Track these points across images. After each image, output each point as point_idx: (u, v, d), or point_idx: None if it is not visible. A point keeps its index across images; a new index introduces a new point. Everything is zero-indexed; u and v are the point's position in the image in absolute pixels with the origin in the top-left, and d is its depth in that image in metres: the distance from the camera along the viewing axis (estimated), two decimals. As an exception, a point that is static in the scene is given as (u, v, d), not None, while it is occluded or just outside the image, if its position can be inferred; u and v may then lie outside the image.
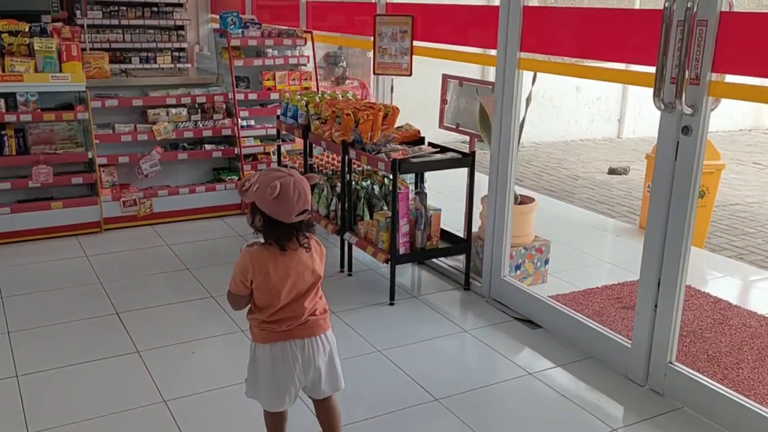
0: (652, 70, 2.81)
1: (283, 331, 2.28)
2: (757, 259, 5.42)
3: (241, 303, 2.32)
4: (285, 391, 2.32)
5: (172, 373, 3.19)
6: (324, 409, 2.49)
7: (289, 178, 2.18)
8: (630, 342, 3.18)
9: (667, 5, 2.66)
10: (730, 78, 2.69)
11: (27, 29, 4.99)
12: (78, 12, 7.81)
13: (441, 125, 4.37)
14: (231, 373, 3.19)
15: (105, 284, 4.18)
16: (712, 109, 2.76)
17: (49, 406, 2.92)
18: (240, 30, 5.62)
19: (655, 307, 3.01)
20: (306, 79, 5.81)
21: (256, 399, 2.41)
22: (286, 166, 5.14)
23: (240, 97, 5.55)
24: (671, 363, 3.01)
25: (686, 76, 2.68)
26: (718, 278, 4.81)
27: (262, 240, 2.26)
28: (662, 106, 2.79)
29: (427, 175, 4.42)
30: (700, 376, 2.95)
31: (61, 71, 4.82)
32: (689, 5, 2.60)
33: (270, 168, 2.30)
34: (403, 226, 3.95)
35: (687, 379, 2.95)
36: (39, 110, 4.85)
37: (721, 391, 2.84)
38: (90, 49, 7.14)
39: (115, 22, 8.01)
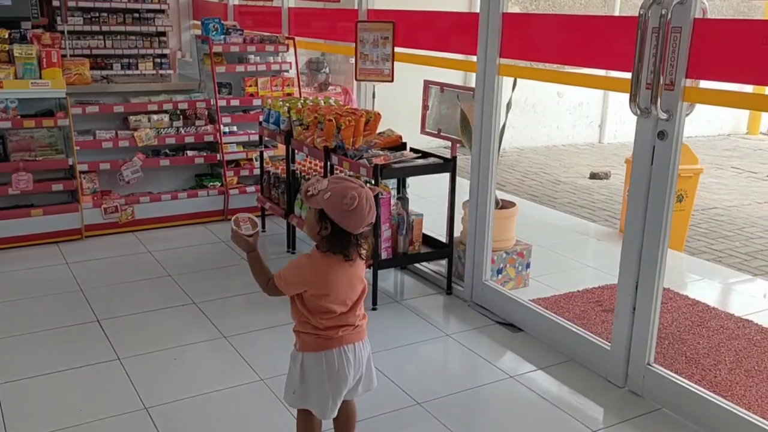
0: (629, 75, 2.85)
1: (338, 337, 2.29)
2: (735, 262, 5.50)
3: (280, 295, 2.32)
4: (338, 396, 2.34)
5: (154, 380, 3.18)
6: (347, 410, 2.50)
7: (362, 191, 2.19)
8: (609, 344, 3.21)
9: (641, 12, 2.70)
10: (705, 84, 2.74)
11: (7, 36, 4.96)
12: (58, 18, 7.76)
13: (423, 131, 4.40)
14: (213, 380, 3.19)
15: (86, 291, 4.16)
16: (687, 114, 2.80)
17: (28, 414, 2.90)
18: (222, 36, 5.62)
19: (634, 309, 3.05)
20: (288, 85, 5.81)
21: (306, 407, 2.39)
22: (273, 173, 5.15)
23: (222, 103, 5.55)
24: (650, 365, 3.05)
25: (661, 81, 2.73)
26: (697, 281, 4.87)
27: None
28: (638, 112, 2.83)
29: (409, 180, 4.44)
30: (678, 377, 2.99)
31: (41, 78, 4.80)
32: (663, 12, 2.64)
33: (340, 177, 2.29)
34: (385, 231, 3.97)
35: (665, 381, 2.99)
36: (19, 117, 4.81)
37: (699, 392, 2.87)
38: (71, 56, 7.09)
39: (96, 28, 7.97)
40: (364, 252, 2.31)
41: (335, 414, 2.39)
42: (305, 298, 2.27)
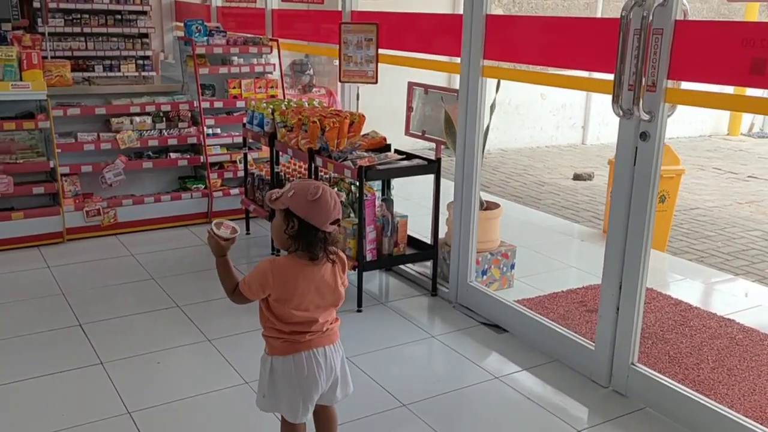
0: (612, 77, 2.87)
1: (306, 341, 2.28)
2: (716, 261, 5.55)
3: (244, 301, 2.31)
4: (309, 400, 2.32)
5: (137, 385, 3.15)
6: (326, 416, 2.49)
7: (326, 186, 2.22)
8: (593, 344, 3.23)
9: (623, 14, 2.72)
10: (686, 85, 2.76)
11: (-14, 37, 4.91)
12: (39, 20, 7.68)
13: (407, 132, 4.40)
14: (197, 384, 3.16)
15: (68, 295, 4.12)
16: (669, 115, 2.83)
17: (10, 419, 2.86)
18: (205, 38, 5.59)
19: (617, 309, 3.07)
20: (272, 87, 5.80)
21: (276, 412, 2.39)
22: (251, 175, 5.13)
23: (205, 105, 5.52)
24: (633, 364, 3.07)
25: (643, 83, 2.75)
26: (679, 281, 4.91)
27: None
28: (620, 113, 2.85)
29: (394, 182, 4.44)
30: (662, 376, 3.01)
31: (21, 80, 4.75)
32: (645, 14, 2.66)
33: (302, 179, 2.31)
34: (370, 233, 3.96)
35: (649, 380, 3.01)
36: (-1, 119, 4.77)
37: (682, 392, 2.90)
38: (51, 57, 7.03)
39: (77, 29, 7.89)
40: (333, 256, 2.28)
41: (306, 418, 2.38)
42: (270, 303, 2.26)
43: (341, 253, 2.36)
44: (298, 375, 2.28)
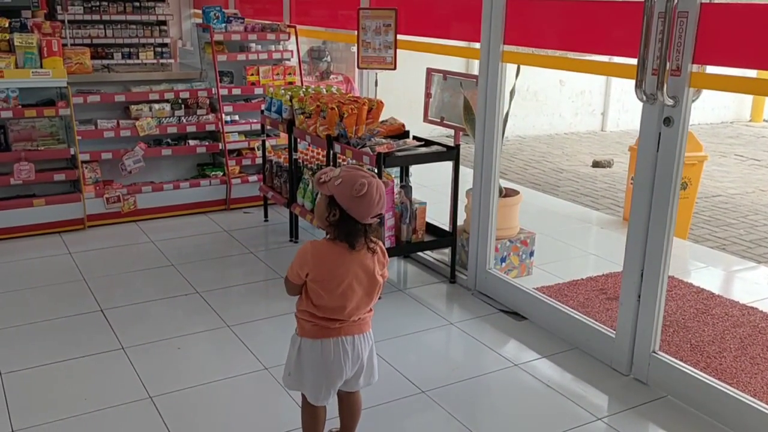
0: (634, 62, 2.82)
1: (336, 328, 2.29)
2: (738, 249, 5.48)
3: (295, 290, 2.33)
4: (332, 385, 2.34)
5: (158, 370, 3.18)
6: (350, 401, 2.50)
7: (373, 180, 2.19)
8: (614, 332, 3.20)
9: (648, -3, 2.67)
10: (711, 69, 2.71)
11: (7, 25, 4.94)
12: (59, 7, 7.72)
13: (425, 119, 4.37)
14: (216, 369, 3.19)
15: (89, 281, 4.15)
16: (693, 100, 2.78)
17: (33, 403, 2.90)
18: (223, 25, 5.58)
19: (639, 297, 3.04)
20: (290, 74, 5.78)
21: (299, 391, 2.42)
22: (272, 161, 5.13)
23: (224, 92, 5.52)
24: (654, 352, 3.04)
25: (667, 67, 2.70)
26: (701, 268, 4.86)
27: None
28: (644, 98, 2.81)
29: (412, 168, 4.42)
30: (683, 365, 2.98)
31: (41, 67, 4.77)
32: (670, -3, 2.61)
33: (352, 165, 2.29)
34: (389, 220, 3.95)
35: (670, 368, 2.98)
36: (20, 106, 4.80)
37: (704, 380, 2.87)
38: (71, 45, 7.07)
39: (96, 17, 7.93)
40: (374, 245, 2.28)
41: (328, 401, 2.39)
42: (308, 285, 2.27)
43: (381, 244, 2.34)
44: (324, 360, 2.29)
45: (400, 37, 4.44)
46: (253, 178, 5.58)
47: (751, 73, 2.71)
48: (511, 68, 3.77)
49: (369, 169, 4.23)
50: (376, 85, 5.13)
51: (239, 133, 5.64)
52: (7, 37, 4.77)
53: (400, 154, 3.92)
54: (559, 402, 2.98)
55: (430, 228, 4.28)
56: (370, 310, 2.39)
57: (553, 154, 9.10)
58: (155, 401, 2.92)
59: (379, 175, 3.80)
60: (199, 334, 3.55)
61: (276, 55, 5.79)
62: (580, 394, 3.04)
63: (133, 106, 5.26)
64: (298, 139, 4.66)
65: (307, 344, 2.31)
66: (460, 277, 4.16)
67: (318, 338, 2.29)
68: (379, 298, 3.90)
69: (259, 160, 5.50)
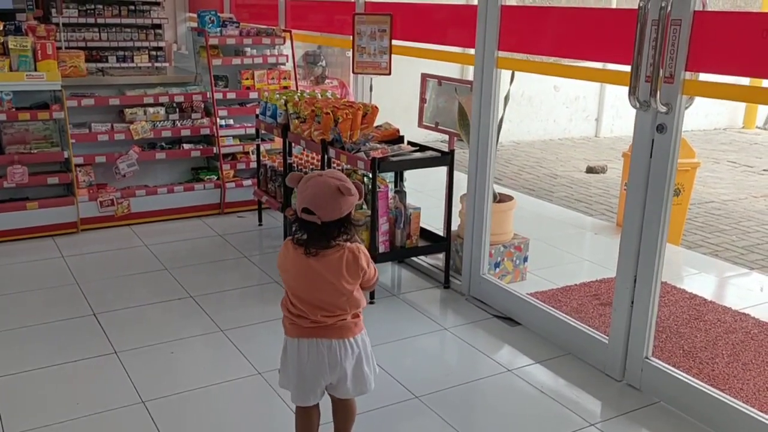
0: (628, 69, 2.84)
1: (308, 328, 2.29)
2: (731, 255, 5.51)
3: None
4: (310, 387, 2.34)
5: (151, 374, 3.17)
6: (343, 407, 2.50)
7: (314, 173, 2.30)
8: (607, 338, 3.21)
9: (641, 5, 2.69)
10: (704, 77, 2.73)
11: (1, 27, 4.92)
12: (53, 10, 7.71)
13: (420, 124, 4.38)
14: (210, 373, 3.18)
15: (82, 285, 4.14)
16: (686, 107, 2.80)
17: (25, 408, 2.89)
18: (218, 29, 5.58)
19: (632, 303, 3.05)
20: (285, 78, 5.79)
21: (287, 389, 2.44)
22: (265, 166, 5.14)
23: (218, 96, 5.52)
24: (648, 358, 3.05)
25: (661, 74, 2.72)
26: (694, 275, 4.88)
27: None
28: (637, 105, 2.82)
29: (407, 173, 4.43)
30: (676, 370, 2.99)
31: (36, 70, 4.76)
32: (663, 4, 2.63)
33: (312, 174, 2.29)
34: (383, 225, 3.96)
35: (663, 374, 2.99)
36: (14, 109, 4.79)
37: (697, 386, 2.88)
38: (66, 48, 7.06)
39: (91, 20, 7.92)
40: (314, 250, 2.21)
41: (309, 403, 2.40)
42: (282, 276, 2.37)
43: (357, 252, 2.26)
44: (299, 360, 2.31)
45: (395, 42, 4.46)
46: (247, 182, 5.57)
47: (744, 80, 2.72)
48: (505, 74, 3.78)
49: (363, 174, 4.25)
50: (371, 90, 5.14)
51: (234, 137, 5.63)
52: (1, 40, 4.76)
53: (394, 159, 3.92)
54: (553, 407, 2.98)
55: (425, 233, 4.29)
56: (356, 315, 2.35)
57: (548, 159, 9.12)
58: (148, 406, 2.91)
59: (374, 179, 3.80)
60: (192, 338, 3.54)
61: (271, 60, 5.79)
62: (573, 399, 3.04)
63: (127, 110, 5.25)
64: (293, 144, 4.66)
65: (289, 342, 2.36)
66: (454, 283, 4.16)
67: (294, 337, 2.32)
68: (372, 303, 3.91)
69: (253, 165, 5.49)
